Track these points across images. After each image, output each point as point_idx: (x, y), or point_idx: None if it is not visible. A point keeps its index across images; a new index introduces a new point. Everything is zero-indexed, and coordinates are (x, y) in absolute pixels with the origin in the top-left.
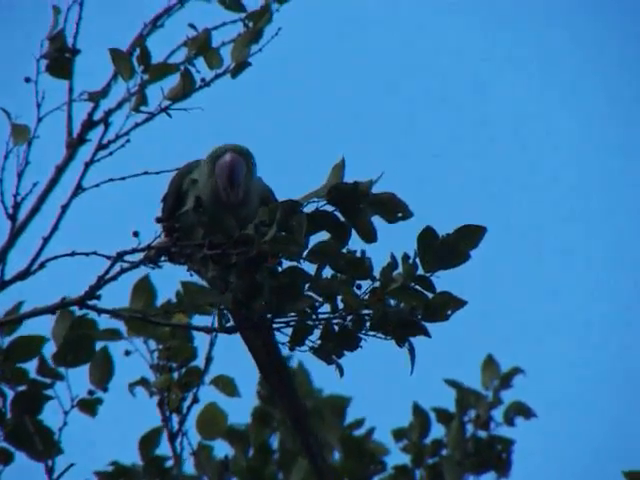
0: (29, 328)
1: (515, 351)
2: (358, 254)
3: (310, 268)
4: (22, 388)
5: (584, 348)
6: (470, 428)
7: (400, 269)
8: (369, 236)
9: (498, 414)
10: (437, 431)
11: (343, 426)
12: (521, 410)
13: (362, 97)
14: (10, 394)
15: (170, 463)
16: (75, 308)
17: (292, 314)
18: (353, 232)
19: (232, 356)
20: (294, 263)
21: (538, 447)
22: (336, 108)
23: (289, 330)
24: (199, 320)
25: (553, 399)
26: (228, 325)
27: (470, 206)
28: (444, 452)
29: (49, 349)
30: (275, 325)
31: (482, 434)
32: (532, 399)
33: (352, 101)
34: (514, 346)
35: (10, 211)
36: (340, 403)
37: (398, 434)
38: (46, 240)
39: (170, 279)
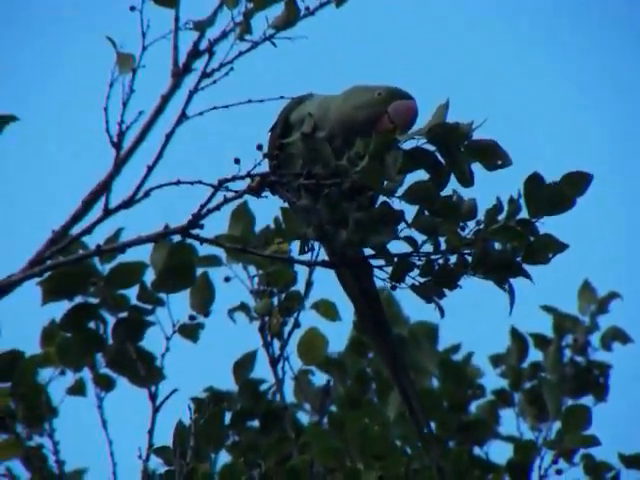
0: (128, 256)
1: (612, 277)
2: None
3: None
4: (123, 314)
5: None
6: (567, 353)
7: (505, 213)
8: (466, 180)
9: (595, 339)
10: (534, 357)
11: (439, 351)
12: (618, 335)
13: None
14: (111, 321)
15: (264, 387)
16: (173, 237)
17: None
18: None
19: (332, 281)
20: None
21: (635, 372)
22: (448, 43)
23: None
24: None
25: None
26: (326, 260)
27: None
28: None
29: (149, 276)
30: (375, 264)
31: (579, 359)
32: (629, 324)
33: (467, 38)
34: (611, 272)
35: (115, 139)
36: (431, 330)
37: (496, 359)
38: (150, 168)
39: (268, 206)
